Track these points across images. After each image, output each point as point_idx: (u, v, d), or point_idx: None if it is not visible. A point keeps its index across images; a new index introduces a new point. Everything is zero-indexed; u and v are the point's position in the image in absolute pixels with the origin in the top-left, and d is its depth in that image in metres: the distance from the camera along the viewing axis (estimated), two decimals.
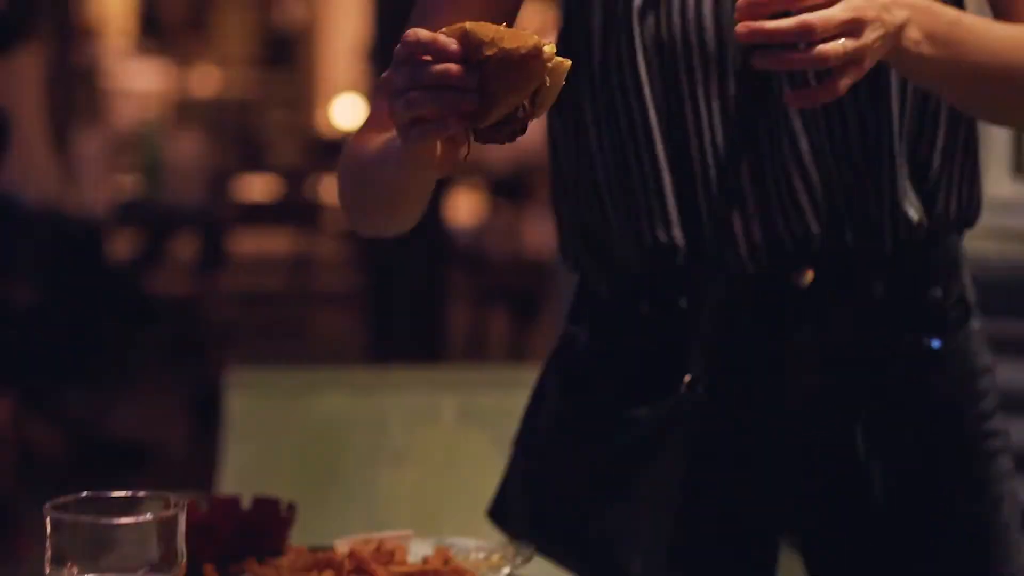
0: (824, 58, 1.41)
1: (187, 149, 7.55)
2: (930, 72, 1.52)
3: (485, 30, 1.35)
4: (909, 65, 1.51)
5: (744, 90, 1.61)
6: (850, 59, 1.42)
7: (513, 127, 1.38)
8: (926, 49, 1.48)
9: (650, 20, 1.63)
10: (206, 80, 11.92)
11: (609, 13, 1.64)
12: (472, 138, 1.39)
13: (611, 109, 1.65)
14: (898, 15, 1.46)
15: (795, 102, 1.51)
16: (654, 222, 1.63)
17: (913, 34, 1.47)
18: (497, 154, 6.97)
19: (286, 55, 12.86)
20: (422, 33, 1.35)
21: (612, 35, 1.64)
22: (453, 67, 1.33)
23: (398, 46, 1.36)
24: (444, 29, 1.36)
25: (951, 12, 1.53)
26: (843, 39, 1.41)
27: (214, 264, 7.43)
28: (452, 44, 1.33)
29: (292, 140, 10.83)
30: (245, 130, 10.43)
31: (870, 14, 1.42)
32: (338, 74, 12.00)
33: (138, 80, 10.52)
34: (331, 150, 8.29)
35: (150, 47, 11.88)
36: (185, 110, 10.83)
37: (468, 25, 1.36)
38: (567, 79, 1.35)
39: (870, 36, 1.43)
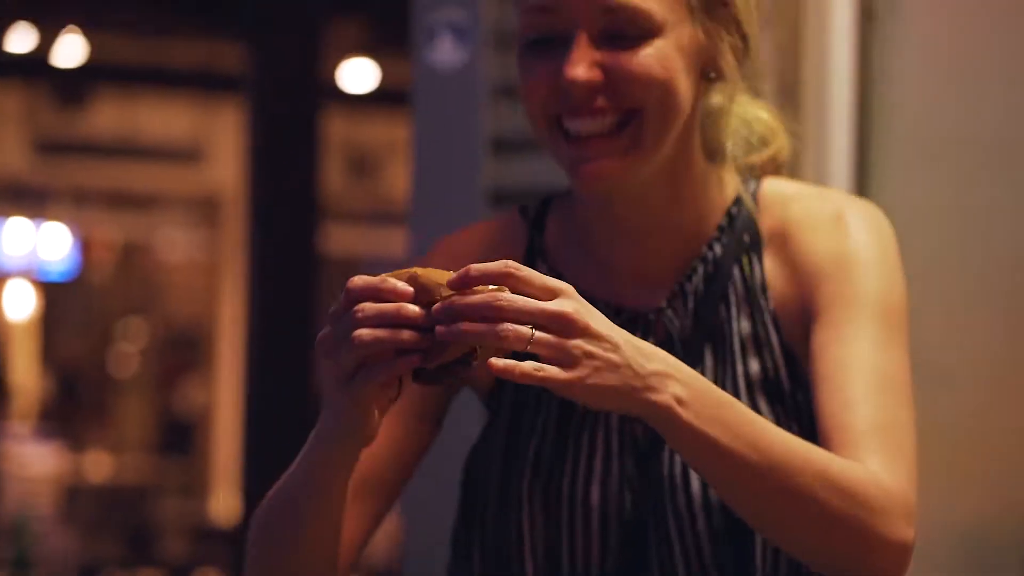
0: (500, 336, 1.36)
1: (61, 543, 7.52)
2: (694, 443, 1.44)
3: (437, 275, 1.38)
4: (670, 429, 1.44)
5: (623, 563, 1.65)
6: (555, 355, 1.37)
7: (458, 372, 1.39)
8: (690, 414, 1.43)
9: (538, 493, 1.66)
10: (100, 466, 11.92)
11: (505, 472, 1.68)
12: (412, 378, 1.40)
13: (498, 559, 1.68)
14: (655, 365, 1.41)
15: (495, 368, 1.39)
16: None
17: (676, 390, 1.42)
18: None
19: (183, 441, 12.90)
20: (369, 278, 1.37)
21: (506, 490, 1.67)
22: (411, 307, 1.36)
23: (342, 296, 1.38)
24: (391, 274, 1.39)
25: (724, 394, 1.48)
26: (534, 329, 1.37)
27: None
28: (405, 286, 1.37)
29: (183, 530, 10.77)
30: (135, 518, 10.39)
31: (586, 323, 1.38)
32: (234, 462, 12.01)
33: (32, 464, 10.51)
34: (223, 540, 8.27)
35: (47, 431, 11.90)
36: (76, 495, 10.79)
37: (418, 270, 1.39)
38: None
39: (584, 344, 1.38)
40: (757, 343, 1.68)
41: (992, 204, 2.48)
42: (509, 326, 1.36)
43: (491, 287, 1.38)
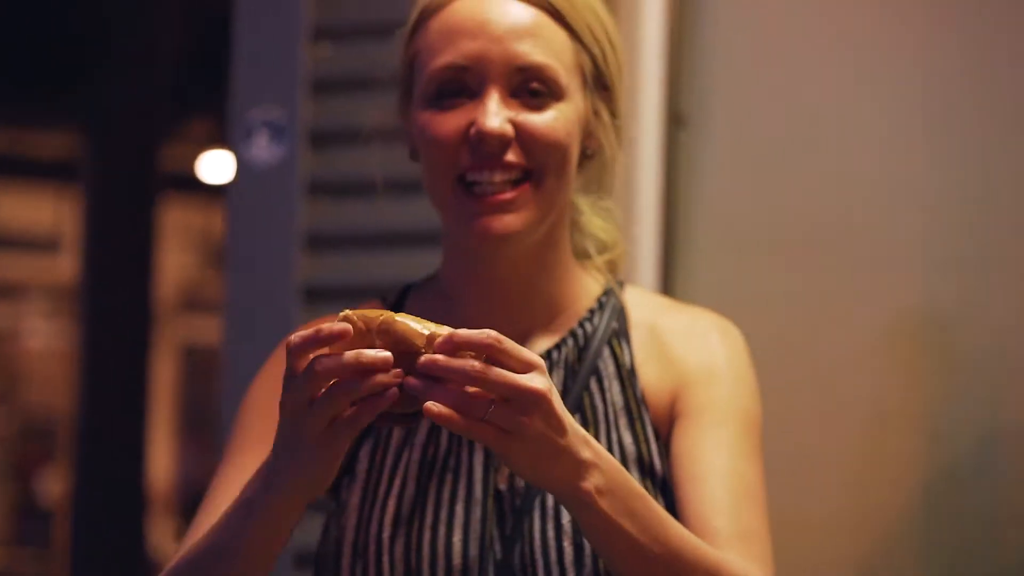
0: (469, 403, 1.39)
1: None
2: (606, 530, 1.50)
3: (411, 328, 1.42)
4: (586, 515, 1.49)
5: None
6: (508, 427, 1.40)
7: (409, 421, 1.44)
8: (606, 504, 1.47)
9: (399, 546, 1.68)
10: None
11: (359, 533, 1.69)
12: (376, 421, 1.44)
13: None
14: (586, 454, 1.46)
15: (433, 413, 1.41)
16: None
17: (598, 480, 1.46)
18: None
19: (42, 532, 12.71)
20: (304, 332, 1.42)
21: (360, 554, 1.69)
22: (371, 353, 1.39)
23: (289, 358, 1.42)
24: (364, 308, 1.45)
25: (637, 486, 1.52)
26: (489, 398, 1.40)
27: None
28: (342, 326, 1.42)
29: None
30: None
31: (550, 404, 1.41)
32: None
33: None
34: None
35: None
36: None
37: (395, 317, 1.43)
38: None
39: (539, 423, 1.41)
40: (629, 417, 1.74)
41: (790, 291, 2.58)
42: (478, 395, 1.40)
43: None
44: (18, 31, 8.25)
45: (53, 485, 12.82)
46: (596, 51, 1.74)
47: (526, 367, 1.42)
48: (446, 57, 1.71)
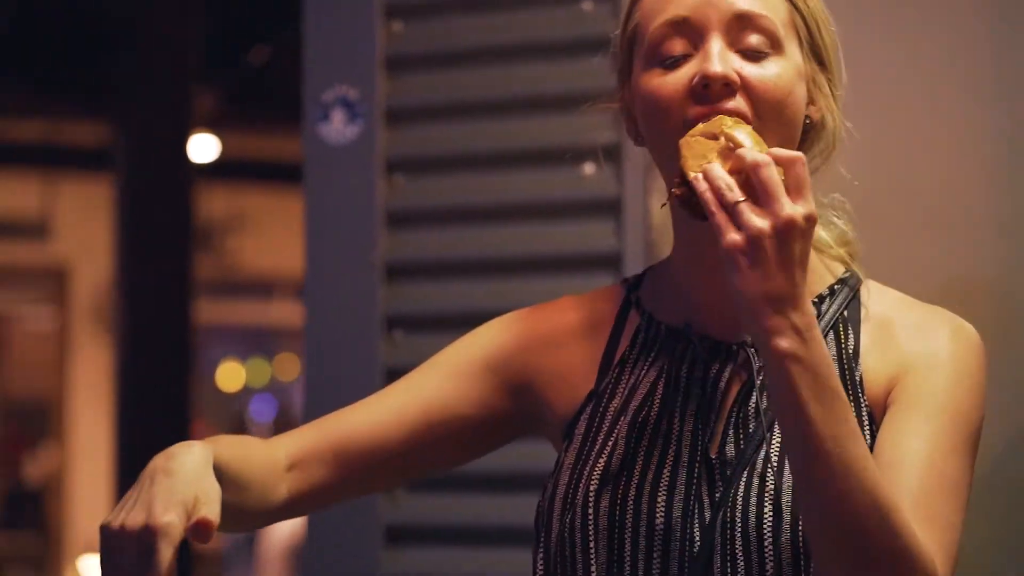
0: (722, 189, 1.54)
1: None
2: (788, 402, 1.53)
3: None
4: (776, 375, 1.53)
5: (687, 573, 1.67)
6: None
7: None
8: (797, 372, 1.53)
9: (604, 501, 1.70)
10: None
11: (570, 488, 1.73)
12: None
13: (561, 565, 1.71)
14: (800, 321, 1.52)
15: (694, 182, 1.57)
16: None
17: (798, 348, 1.53)
18: None
19: (32, 514, 12.71)
20: None
21: (568, 507, 1.72)
22: None
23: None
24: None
25: (841, 391, 1.55)
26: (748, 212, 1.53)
27: None
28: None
29: None
30: None
31: (792, 245, 1.52)
32: (82, 532, 11.87)
33: None
34: None
35: None
36: None
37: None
38: None
39: (772, 249, 1.52)
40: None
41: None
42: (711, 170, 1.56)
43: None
44: (49, 21, 8.25)
45: (43, 466, 12.81)
46: (810, 20, 1.76)
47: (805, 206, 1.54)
48: (665, 15, 1.72)
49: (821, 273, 1.80)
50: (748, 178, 1.56)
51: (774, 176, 1.54)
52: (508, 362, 1.86)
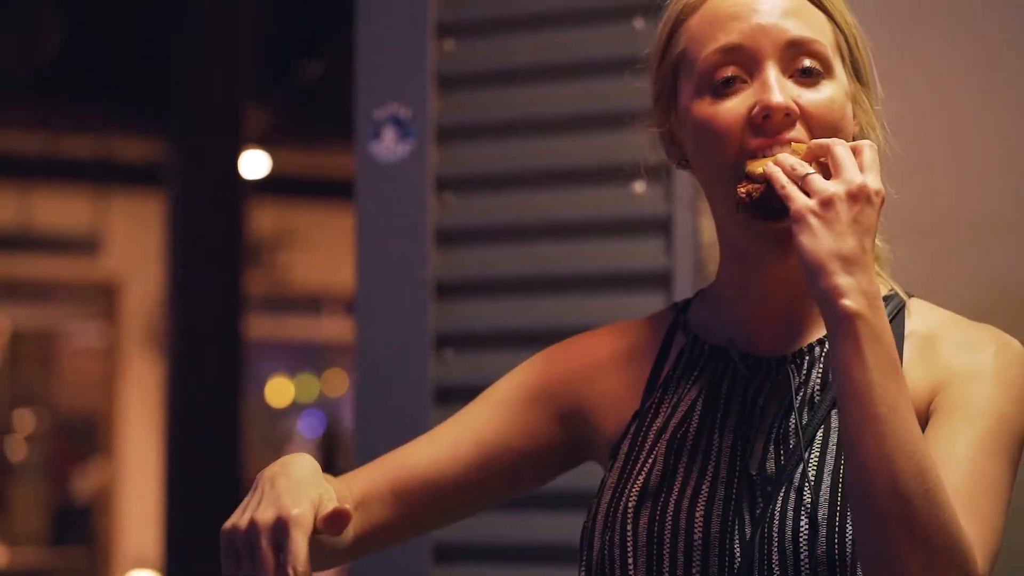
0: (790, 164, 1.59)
1: None
2: (848, 359, 1.54)
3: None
4: (840, 327, 1.54)
5: None
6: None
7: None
8: (862, 329, 1.53)
9: (643, 518, 1.71)
10: None
11: (611, 506, 1.74)
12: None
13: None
14: (867, 286, 1.54)
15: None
16: None
17: (864, 310, 1.54)
18: None
19: (81, 529, 12.76)
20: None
21: (609, 525, 1.73)
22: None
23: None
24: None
25: (899, 366, 1.56)
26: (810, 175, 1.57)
27: None
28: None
29: None
30: None
31: (862, 211, 1.55)
32: (131, 547, 11.92)
33: None
34: None
35: None
36: None
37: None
38: None
39: (845, 214, 1.55)
40: None
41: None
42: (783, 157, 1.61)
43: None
44: (101, 38, 8.30)
45: (92, 482, 12.87)
46: (850, 38, 1.76)
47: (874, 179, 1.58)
48: (718, 41, 1.71)
49: None
50: (819, 163, 1.59)
51: (847, 152, 1.58)
52: (556, 391, 1.87)
